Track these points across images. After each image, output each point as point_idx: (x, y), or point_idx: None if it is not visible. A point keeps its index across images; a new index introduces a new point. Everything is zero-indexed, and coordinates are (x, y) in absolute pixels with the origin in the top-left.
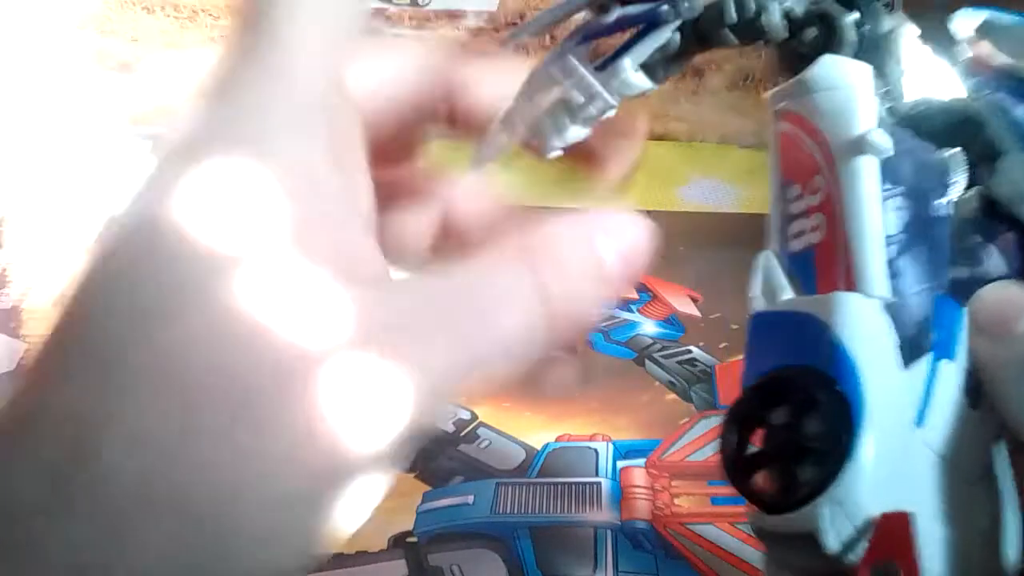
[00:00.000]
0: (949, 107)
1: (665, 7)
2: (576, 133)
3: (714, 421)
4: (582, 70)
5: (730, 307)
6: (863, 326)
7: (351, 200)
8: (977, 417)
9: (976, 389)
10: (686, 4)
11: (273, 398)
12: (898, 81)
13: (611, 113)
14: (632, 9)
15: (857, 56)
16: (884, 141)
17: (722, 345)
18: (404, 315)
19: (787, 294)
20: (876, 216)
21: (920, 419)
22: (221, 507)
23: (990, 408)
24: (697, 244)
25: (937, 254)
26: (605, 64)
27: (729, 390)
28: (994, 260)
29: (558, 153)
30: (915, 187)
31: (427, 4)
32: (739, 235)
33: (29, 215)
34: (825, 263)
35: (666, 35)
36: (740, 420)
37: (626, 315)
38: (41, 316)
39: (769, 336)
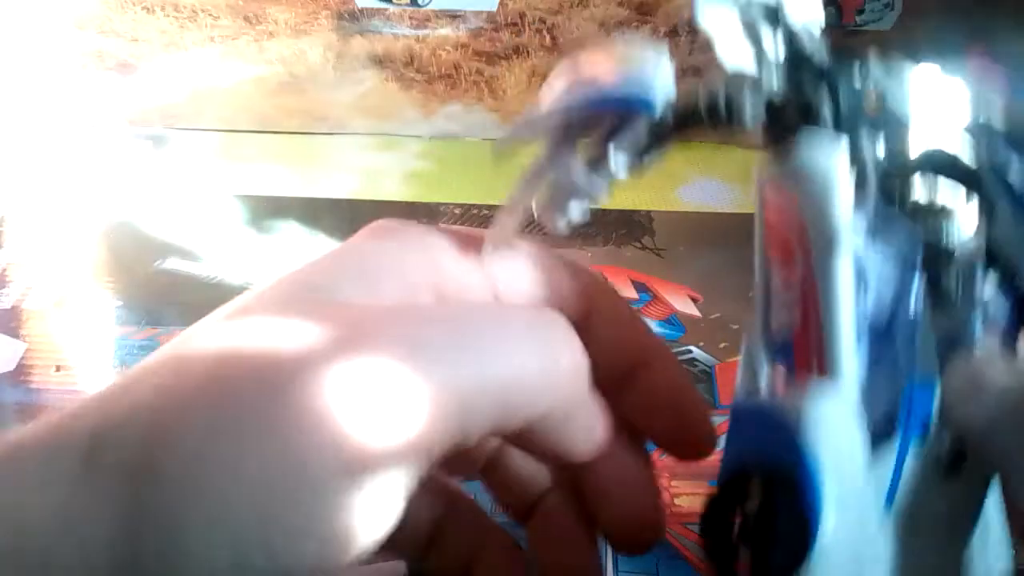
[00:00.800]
0: (954, 162)
1: (638, 101)
2: (579, 211)
3: (713, 421)
4: (573, 168)
5: (730, 307)
6: (830, 426)
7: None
8: (955, 489)
9: (953, 462)
10: (661, 99)
11: (293, 396)
12: (897, 132)
13: (606, 198)
14: (609, 103)
15: (842, 123)
16: (858, 236)
17: (722, 345)
18: (429, 332)
19: (766, 379)
20: (849, 307)
21: (890, 501)
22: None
23: (968, 479)
24: (697, 244)
25: (909, 336)
26: (594, 161)
27: (729, 390)
28: (991, 307)
29: (566, 229)
30: (891, 270)
31: (427, 4)
32: (739, 235)
33: (29, 215)
34: (801, 350)
35: (642, 130)
36: (717, 512)
37: None
38: (41, 316)
39: (743, 428)
